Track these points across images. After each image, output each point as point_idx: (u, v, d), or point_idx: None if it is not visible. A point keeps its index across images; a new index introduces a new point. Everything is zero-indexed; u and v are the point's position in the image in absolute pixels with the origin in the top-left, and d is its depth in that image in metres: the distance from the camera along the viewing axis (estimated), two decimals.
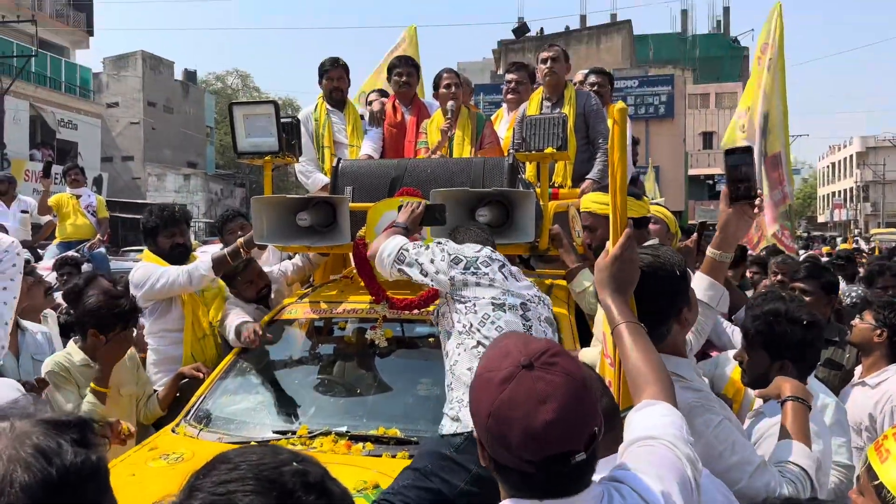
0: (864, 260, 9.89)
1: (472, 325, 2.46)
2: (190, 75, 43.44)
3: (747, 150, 2.07)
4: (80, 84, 32.93)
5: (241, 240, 3.52)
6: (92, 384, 3.01)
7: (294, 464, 0.99)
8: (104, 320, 3.06)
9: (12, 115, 25.89)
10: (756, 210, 2.06)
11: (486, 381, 1.25)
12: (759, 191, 2.05)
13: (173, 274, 3.54)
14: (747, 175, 2.03)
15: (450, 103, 4.34)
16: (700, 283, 2.10)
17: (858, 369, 3.35)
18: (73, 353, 3.14)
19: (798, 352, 2.40)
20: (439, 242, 2.64)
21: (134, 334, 3.28)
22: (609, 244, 1.83)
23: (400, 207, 3.04)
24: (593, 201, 3.36)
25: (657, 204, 4.26)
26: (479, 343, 2.41)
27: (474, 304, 2.49)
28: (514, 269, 2.65)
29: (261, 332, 3.28)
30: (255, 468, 0.97)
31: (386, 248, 2.69)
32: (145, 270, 3.63)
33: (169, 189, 36.32)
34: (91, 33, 35.26)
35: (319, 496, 0.98)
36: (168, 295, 3.60)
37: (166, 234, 3.75)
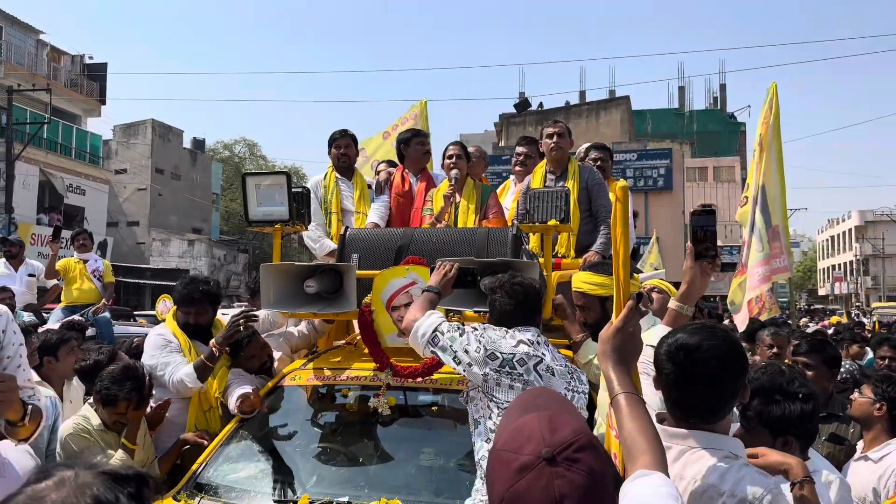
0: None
1: None
2: (198, 143, 44.28)
3: (711, 213, 2.17)
4: (90, 151, 33.57)
5: (213, 341, 3.51)
6: (123, 440, 3.06)
7: None
8: (107, 397, 3.13)
9: (22, 179, 26.29)
10: (714, 269, 2.16)
11: (504, 461, 1.22)
12: (718, 251, 2.17)
13: (167, 373, 3.52)
14: (710, 235, 2.13)
15: (453, 171, 4.51)
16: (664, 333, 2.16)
17: (860, 444, 3.34)
18: (90, 416, 3.16)
19: (800, 427, 2.41)
20: (475, 329, 2.56)
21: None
22: (613, 317, 1.88)
23: (432, 268, 3.00)
24: (584, 281, 3.40)
25: (659, 277, 4.31)
26: None
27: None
28: (549, 359, 2.55)
29: (258, 398, 3.28)
30: None
31: (421, 326, 2.61)
32: (154, 344, 3.62)
33: (173, 254, 36.56)
34: (104, 102, 36.13)
35: None
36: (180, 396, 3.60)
37: (183, 310, 3.74)
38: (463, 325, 2.65)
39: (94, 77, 35.52)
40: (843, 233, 64.07)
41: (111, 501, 1.01)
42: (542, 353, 2.54)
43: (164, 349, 3.60)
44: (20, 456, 2.86)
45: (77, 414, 3.19)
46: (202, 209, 41.98)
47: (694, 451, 1.79)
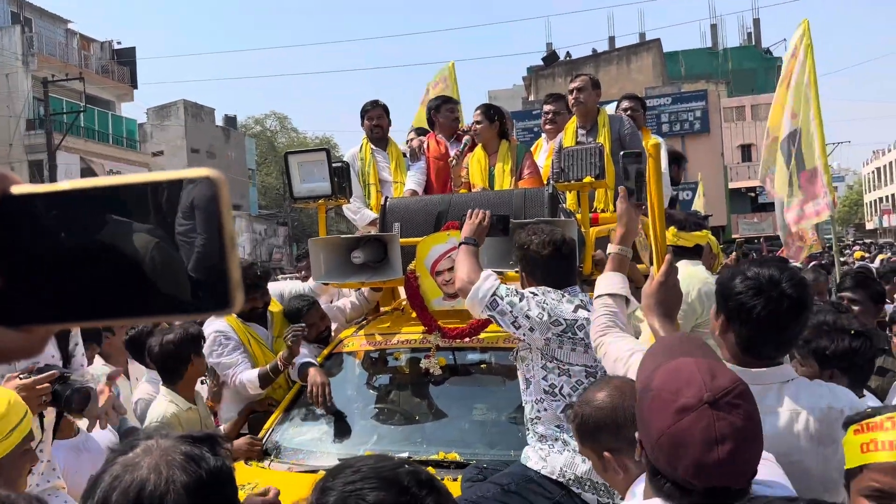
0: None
1: (562, 387, 2.52)
2: (230, 120, 44.70)
3: (639, 154, 2.21)
4: (127, 135, 34.19)
5: (281, 354, 3.57)
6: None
7: (406, 466, 1.17)
8: (170, 364, 3.27)
9: (64, 169, 26.95)
10: (641, 210, 2.24)
11: (664, 402, 1.30)
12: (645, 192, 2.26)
13: (230, 374, 3.61)
14: (639, 177, 2.20)
15: (465, 138, 4.69)
16: (614, 279, 2.22)
17: None
18: (173, 399, 3.25)
19: (846, 361, 2.47)
20: (534, 294, 2.58)
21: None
22: (653, 271, 1.97)
23: (462, 218, 3.02)
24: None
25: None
26: (567, 406, 2.45)
27: (568, 369, 2.53)
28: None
29: (327, 395, 3.34)
30: (375, 470, 1.16)
31: (479, 289, 2.61)
32: (214, 342, 3.63)
33: None
34: (135, 86, 36.61)
35: (430, 491, 1.17)
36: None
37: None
38: (517, 289, 2.68)
39: (123, 62, 35.96)
40: (890, 163, 62.00)
41: (199, 455, 1.17)
42: None
43: (225, 347, 3.66)
44: (100, 431, 3.07)
45: (165, 399, 3.27)
46: (239, 186, 42.56)
47: (786, 386, 1.84)
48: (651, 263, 3.40)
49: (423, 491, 1.15)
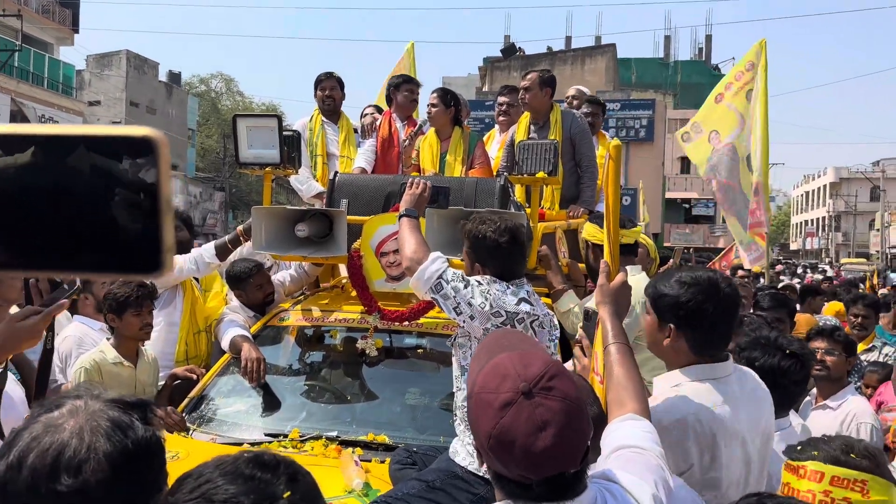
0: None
1: None
2: (174, 77, 43.23)
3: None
4: (63, 81, 32.63)
5: (240, 227, 3.67)
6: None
7: (245, 454, 1.12)
8: (118, 300, 3.13)
9: None
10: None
11: (486, 403, 1.30)
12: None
13: (180, 261, 3.58)
14: None
15: (424, 119, 4.74)
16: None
17: (814, 391, 3.54)
18: (105, 350, 3.17)
19: (772, 377, 2.51)
20: (479, 282, 2.51)
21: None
22: (604, 266, 2.00)
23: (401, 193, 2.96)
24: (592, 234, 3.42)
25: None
26: None
27: None
28: (541, 313, 2.55)
29: (262, 371, 3.27)
30: (215, 469, 1.09)
31: (426, 270, 2.53)
32: None
33: None
34: (76, 30, 34.97)
35: (278, 471, 1.10)
36: (176, 281, 3.68)
37: None
38: (463, 275, 2.61)
39: (66, 4, 34.28)
40: (818, 189, 64.82)
41: (128, 423, 1.09)
42: (536, 310, 2.57)
43: None
44: (13, 385, 2.91)
45: (95, 349, 3.20)
46: (178, 144, 41.28)
47: (737, 373, 2.02)
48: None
49: (268, 473, 1.08)
